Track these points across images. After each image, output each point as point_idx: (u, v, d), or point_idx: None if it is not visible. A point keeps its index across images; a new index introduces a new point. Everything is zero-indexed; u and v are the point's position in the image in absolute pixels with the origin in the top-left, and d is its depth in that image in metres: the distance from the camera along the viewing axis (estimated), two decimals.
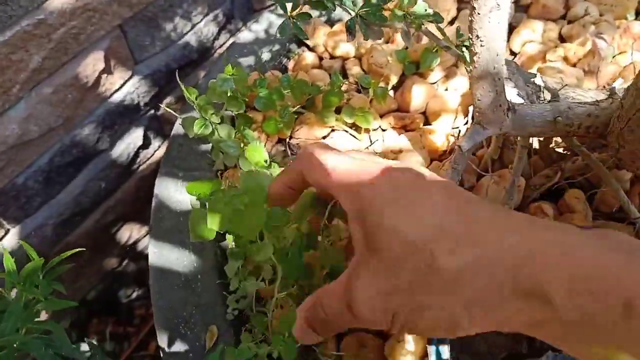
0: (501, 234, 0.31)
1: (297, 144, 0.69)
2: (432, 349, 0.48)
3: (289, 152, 0.68)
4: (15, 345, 0.37)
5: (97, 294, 1.10)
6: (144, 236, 1.14)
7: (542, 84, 0.60)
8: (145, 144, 0.99)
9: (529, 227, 0.31)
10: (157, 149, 1.05)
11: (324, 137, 0.69)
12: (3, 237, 0.80)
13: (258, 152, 0.47)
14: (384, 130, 0.72)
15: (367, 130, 0.70)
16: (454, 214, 0.33)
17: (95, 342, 1.14)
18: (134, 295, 1.21)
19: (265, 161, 0.49)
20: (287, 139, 0.70)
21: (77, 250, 0.46)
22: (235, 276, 0.61)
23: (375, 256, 0.33)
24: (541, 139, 0.71)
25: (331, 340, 0.58)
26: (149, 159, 1.03)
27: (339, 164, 0.36)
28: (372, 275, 0.33)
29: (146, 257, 1.20)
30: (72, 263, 0.49)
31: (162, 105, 0.83)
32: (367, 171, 0.35)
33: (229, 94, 0.59)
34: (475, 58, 0.43)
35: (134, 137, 0.94)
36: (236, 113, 0.62)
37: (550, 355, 0.44)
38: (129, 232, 1.09)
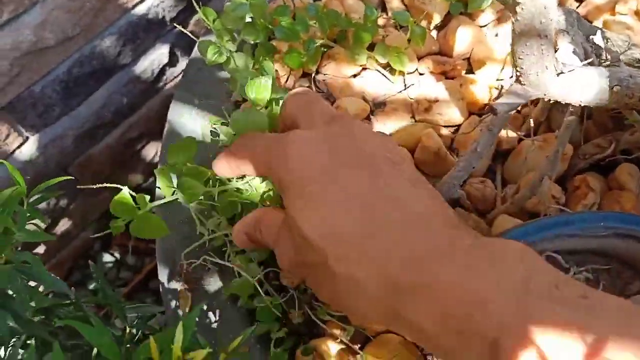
0: (392, 249, 0.32)
1: (324, 80, 0.63)
2: None
3: (314, 89, 0.62)
4: None
5: None
6: None
7: (603, 45, 0.51)
8: (172, 62, 0.94)
9: (428, 250, 0.32)
10: (180, 76, 1.01)
11: (354, 76, 0.62)
12: (22, 144, 0.79)
13: (263, 88, 0.41)
14: (421, 74, 0.64)
15: (401, 73, 0.63)
16: (358, 213, 0.34)
17: (117, 255, 1.17)
18: None
19: (270, 100, 0.43)
20: (313, 74, 0.63)
21: (64, 178, 0.43)
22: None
23: (290, 232, 0.37)
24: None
25: None
26: (175, 77, 0.98)
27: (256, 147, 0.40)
28: (287, 244, 0.38)
29: None
30: (62, 191, 0.46)
31: (184, 28, 0.77)
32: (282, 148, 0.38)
33: (246, 20, 0.52)
34: (517, 9, 0.35)
35: (159, 53, 0.90)
36: (255, 42, 0.56)
37: None
38: (155, 149, 1.08)
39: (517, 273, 0.29)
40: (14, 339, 0.38)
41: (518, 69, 0.40)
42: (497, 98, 0.63)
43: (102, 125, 0.87)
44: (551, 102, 0.61)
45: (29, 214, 0.41)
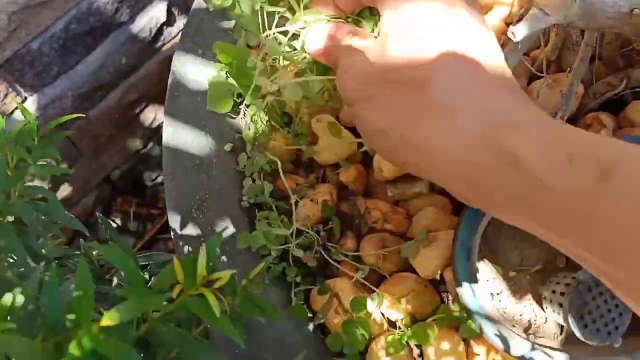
0: (499, 93, 0.31)
1: None
2: (458, 254, 0.44)
3: None
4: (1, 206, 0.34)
5: (122, 174, 1.10)
6: None
7: None
8: (169, 21, 0.92)
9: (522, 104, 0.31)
10: (183, 29, 0.99)
11: None
12: (21, 104, 0.77)
13: None
14: None
15: None
16: (464, 63, 0.31)
17: (119, 222, 1.16)
18: (159, 179, 1.21)
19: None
20: None
21: (76, 115, 0.42)
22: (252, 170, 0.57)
23: (381, 46, 0.33)
24: (607, 42, 0.62)
25: (351, 239, 0.54)
26: (173, 37, 0.96)
27: None
28: (369, 58, 0.34)
29: None
30: (71, 131, 0.45)
31: None
32: None
33: None
34: None
35: (157, 11, 0.88)
36: None
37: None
38: (154, 114, 1.06)
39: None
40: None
41: None
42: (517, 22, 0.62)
43: (100, 86, 0.86)
44: (563, 38, 0.61)
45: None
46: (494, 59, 0.32)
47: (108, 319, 0.28)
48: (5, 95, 0.73)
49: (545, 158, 0.28)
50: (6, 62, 0.70)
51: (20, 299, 0.27)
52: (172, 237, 0.55)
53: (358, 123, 0.35)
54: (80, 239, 0.56)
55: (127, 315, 0.28)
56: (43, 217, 0.38)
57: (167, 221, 1.14)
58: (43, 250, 0.38)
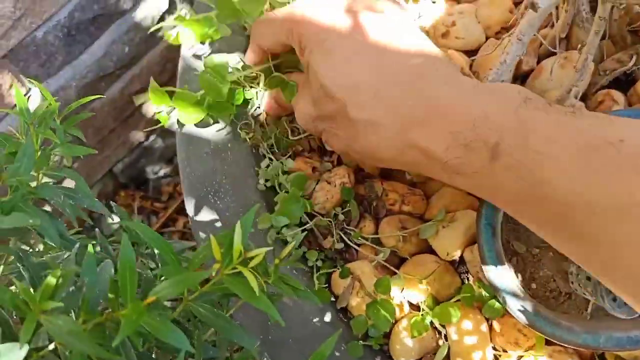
0: (406, 91, 0.37)
1: None
2: (483, 232, 0.44)
3: None
4: (29, 189, 0.33)
5: (124, 167, 1.09)
6: (172, 111, 1.10)
7: None
8: (171, 9, 0.91)
9: (437, 89, 0.37)
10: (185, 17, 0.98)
11: None
12: (26, 95, 0.76)
13: None
14: (433, 1, 0.63)
15: (416, 1, 0.62)
16: (373, 62, 0.38)
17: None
18: (162, 172, 1.20)
19: None
20: None
21: (97, 96, 0.41)
22: (268, 152, 0.56)
23: (309, 87, 0.43)
24: (615, 19, 0.62)
25: (370, 222, 0.54)
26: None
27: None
28: (306, 100, 0.44)
29: (174, 134, 1.17)
30: (93, 113, 0.44)
31: None
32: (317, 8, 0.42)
33: None
34: None
35: None
36: None
37: None
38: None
39: (515, 95, 0.35)
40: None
41: None
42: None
43: (104, 76, 0.85)
44: (573, 16, 0.61)
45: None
46: (399, 53, 0.39)
47: (154, 296, 0.28)
48: (11, 86, 0.72)
49: (450, 150, 0.35)
50: (11, 52, 0.69)
51: (63, 280, 0.27)
52: (189, 223, 0.55)
53: (329, 145, 0.47)
54: (96, 229, 0.56)
55: (172, 292, 0.28)
56: (70, 201, 0.37)
57: (171, 215, 1.14)
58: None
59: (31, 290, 0.28)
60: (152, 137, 1.10)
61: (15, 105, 0.77)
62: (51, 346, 0.29)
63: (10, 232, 0.32)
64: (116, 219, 1.09)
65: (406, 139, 0.37)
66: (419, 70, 0.38)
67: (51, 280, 0.26)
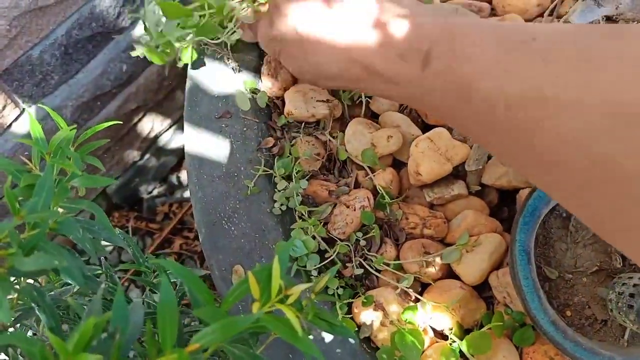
0: (350, 20, 0.41)
1: None
2: (518, 258, 0.43)
3: None
4: (48, 224, 0.31)
5: (118, 187, 1.05)
6: (167, 130, 1.07)
7: None
8: None
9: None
10: None
11: None
12: (18, 117, 0.73)
13: None
14: None
15: None
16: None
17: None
18: (155, 191, 1.17)
19: None
20: None
21: (114, 122, 0.39)
22: (282, 178, 0.54)
23: (269, 11, 0.49)
24: None
25: (390, 247, 0.52)
26: None
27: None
28: (266, 22, 0.49)
29: (168, 152, 1.14)
30: (108, 140, 0.42)
31: None
32: None
33: None
34: None
35: None
36: None
37: None
38: (151, 124, 1.02)
39: (448, 8, 0.40)
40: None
41: None
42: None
43: (100, 95, 0.82)
44: None
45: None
46: None
47: (197, 343, 0.25)
48: (4, 107, 0.69)
49: (386, 62, 0.38)
50: (5, 71, 0.66)
51: (97, 328, 0.24)
52: (203, 251, 0.52)
53: (285, 66, 0.50)
54: (101, 257, 0.53)
55: (217, 339, 0.25)
56: (89, 235, 0.35)
57: (166, 236, 1.10)
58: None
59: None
60: (146, 156, 1.07)
61: (9, 125, 0.74)
62: None
63: (30, 274, 0.29)
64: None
65: (350, 55, 0.40)
66: None
67: (86, 330, 0.24)
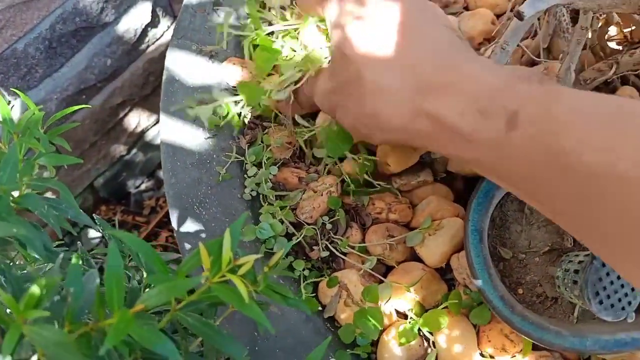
0: (424, 57, 0.37)
1: None
2: (470, 238, 0.45)
3: None
4: (12, 198, 0.33)
5: (105, 181, 1.07)
6: (153, 125, 1.09)
7: None
8: (154, 22, 0.91)
9: (455, 59, 0.37)
10: (167, 30, 0.98)
11: None
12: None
13: None
14: None
15: None
16: (392, 36, 0.39)
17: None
18: (143, 186, 1.19)
19: None
20: None
21: (83, 106, 0.41)
22: (253, 163, 0.56)
23: (329, 65, 0.46)
24: (594, 29, 0.63)
25: (356, 231, 0.54)
26: (158, 39, 0.95)
27: None
28: (324, 75, 0.46)
29: (155, 147, 1.16)
30: (78, 123, 0.44)
31: None
32: None
33: None
34: None
35: (141, 11, 0.86)
36: None
37: None
38: (137, 119, 1.04)
39: (535, 71, 0.39)
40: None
41: None
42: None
43: (85, 89, 0.84)
44: (554, 26, 0.62)
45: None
46: (425, 22, 0.40)
47: (142, 304, 0.27)
48: None
49: (463, 116, 0.33)
50: None
51: (47, 289, 0.26)
52: (174, 234, 0.54)
53: (340, 122, 0.46)
54: (78, 242, 0.55)
55: (161, 299, 0.27)
56: (54, 211, 0.36)
57: (153, 229, 1.12)
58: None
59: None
60: (133, 151, 1.09)
61: None
62: (34, 358, 0.29)
63: None
64: (95, 233, 1.07)
65: (418, 105, 0.36)
66: (438, 41, 0.38)
67: (35, 289, 0.26)
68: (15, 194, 0.34)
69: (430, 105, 0.35)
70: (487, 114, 0.32)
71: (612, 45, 0.65)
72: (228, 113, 0.56)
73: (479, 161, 0.34)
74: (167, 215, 1.10)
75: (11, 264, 0.41)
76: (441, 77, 0.36)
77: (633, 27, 0.59)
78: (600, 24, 0.61)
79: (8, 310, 0.27)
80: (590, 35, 0.63)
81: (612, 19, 0.61)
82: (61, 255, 0.32)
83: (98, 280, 0.31)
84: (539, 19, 0.62)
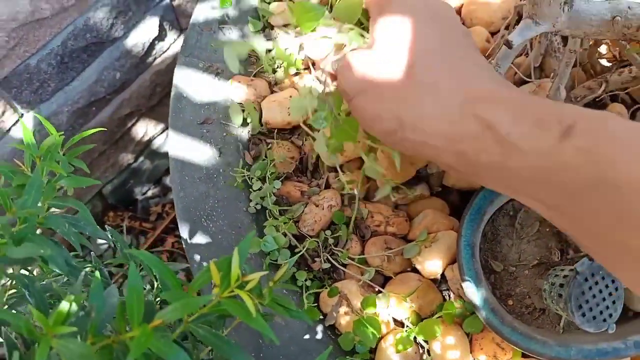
0: (469, 74, 0.37)
1: None
2: (463, 251, 0.47)
3: None
4: (37, 219, 0.35)
5: (113, 188, 1.10)
6: (160, 134, 1.12)
7: None
8: (161, 36, 0.94)
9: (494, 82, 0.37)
10: (173, 43, 1.00)
11: None
12: (17, 122, 0.78)
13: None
14: None
15: None
16: (438, 43, 0.39)
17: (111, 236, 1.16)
18: (150, 192, 1.22)
19: None
20: None
21: (99, 129, 0.44)
22: (258, 177, 0.59)
23: (372, 52, 0.40)
24: (584, 48, 0.66)
25: (356, 243, 0.57)
26: (164, 52, 0.98)
27: None
28: (358, 59, 0.41)
29: (161, 155, 1.19)
30: (94, 144, 0.47)
31: None
32: None
33: None
34: None
35: (149, 26, 0.89)
36: None
37: (586, 262, 0.42)
38: (145, 129, 1.07)
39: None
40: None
41: (530, 1, 0.42)
42: (504, 36, 0.66)
43: (95, 101, 0.87)
44: (546, 45, 0.65)
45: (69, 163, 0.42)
46: (468, 45, 0.40)
47: (160, 319, 0.30)
48: (3, 113, 0.74)
49: (517, 125, 0.33)
50: (4, 80, 0.71)
51: (74, 306, 0.29)
52: (178, 243, 0.57)
53: (357, 114, 0.41)
54: (92, 252, 0.57)
55: (177, 315, 0.30)
56: (74, 229, 0.39)
57: (159, 235, 1.15)
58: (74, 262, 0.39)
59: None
60: (140, 159, 1.12)
61: (8, 130, 0.79)
62: None
63: (19, 262, 0.34)
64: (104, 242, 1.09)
65: (468, 108, 0.35)
66: (478, 61, 0.39)
67: (64, 305, 0.28)
68: (41, 215, 0.37)
69: (482, 111, 0.34)
70: (542, 125, 0.32)
71: (604, 62, 0.68)
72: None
73: (521, 170, 0.33)
74: (173, 221, 1.13)
75: (31, 276, 0.44)
76: (495, 84, 0.36)
77: (619, 48, 0.62)
78: (590, 43, 0.64)
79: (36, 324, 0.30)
80: (581, 54, 0.66)
81: (600, 40, 0.64)
82: (83, 273, 0.34)
83: (118, 296, 0.33)
84: (530, 40, 0.65)
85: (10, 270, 0.36)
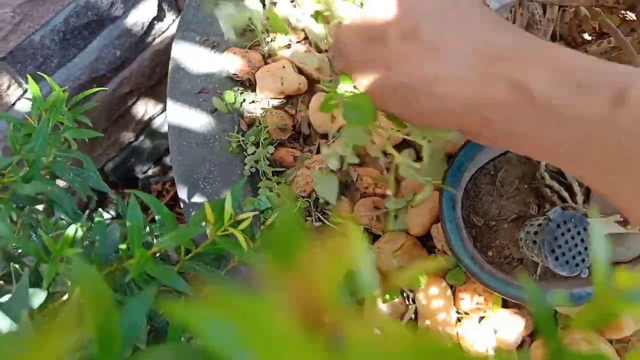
0: (490, 29, 0.31)
1: None
2: (445, 206, 0.50)
3: None
4: (43, 163, 0.38)
5: (115, 166, 1.13)
6: (159, 114, 1.15)
7: None
8: (160, 16, 0.96)
9: (523, 36, 0.31)
10: (172, 23, 1.03)
11: None
12: (22, 95, 0.81)
13: None
14: None
15: None
16: (448, 6, 0.33)
17: (113, 213, 1.19)
18: (150, 171, 1.24)
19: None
20: None
21: (101, 89, 0.46)
22: (252, 144, 0.62)
23: (370, 18, 0.34)
24: (565, 21, 0.68)
25: (346, 203, 0.59)
26: (163, 32, 1.01)
27: None
28: (357, 19, 0.35)
29: (161, 135, 1.21)
30: (98, 103, 0.49)
31: None
32: None
33: None
34: None
35: (148, 6, 0.92)
36: None
37: (558, 210, 0.45)
38: (145, 107, 1.10)
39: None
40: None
41: None
42: None
43: (96, 78, 0.89)
44: (531, 15, 0.67)
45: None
46: (476, 3, 0.33)
47: (157, 246, 0.33)
48: (8, 87, 0.77)
49: (556, 87, 0.27)
50: (9, 54, 0.74)
51: (80, 232, 0.32)
52: (182, 207, 0.60)
53: (362, 88, 0.35)
54: (98, 209, 0.60)
55: (172, 243, 0.33)
56: (79, 178, 0.42)
57: None
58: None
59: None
60: (140, 138, 1.15)
61: (13, 103, 0.82)
62: (65, 297, 0.34)
63: (28, 200, 0.37)
64: (106, 214, 1.12)
65: (490, 68, 0.29)
66: (495, 17, 0.33)
67: (70, 230, 0.31)
68: (46, 160, 0.39)
69: (510, 70, 0.28)
70: (587, 88, 0.27)
71: (586, 36, 0.70)
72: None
73: (560, 142, 0.28)
74: (173, 199, 1.16)
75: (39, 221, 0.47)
76: (525, 46, 0.30)
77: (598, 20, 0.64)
78: (571, 16, 0.66)
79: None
80: (562, 26, 0.68)
81: (580, 11, 0.66)
82: (87, 211, 0.37)
83: (118, 232, 0.36)
84: (514, 12, 0.67)
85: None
